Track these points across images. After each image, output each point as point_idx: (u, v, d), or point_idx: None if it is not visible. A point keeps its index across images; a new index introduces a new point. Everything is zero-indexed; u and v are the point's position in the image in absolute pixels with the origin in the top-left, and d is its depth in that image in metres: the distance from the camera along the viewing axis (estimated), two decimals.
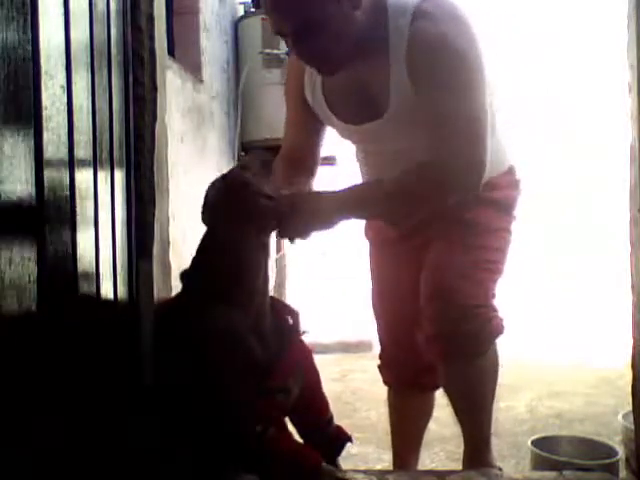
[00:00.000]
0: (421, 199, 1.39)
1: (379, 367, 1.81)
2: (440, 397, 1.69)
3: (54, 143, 0.92)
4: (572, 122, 4.90)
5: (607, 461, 1.70)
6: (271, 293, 1.45)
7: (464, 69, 1.34)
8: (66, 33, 0.96)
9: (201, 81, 3.02)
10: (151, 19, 1.28)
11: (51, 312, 0.92)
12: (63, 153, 0.95)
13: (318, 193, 1.39)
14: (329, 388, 1.60)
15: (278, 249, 3.66)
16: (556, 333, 3.94)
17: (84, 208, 1.02)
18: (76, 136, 0.98)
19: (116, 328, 1.17)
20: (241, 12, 3.76)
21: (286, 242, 3.96)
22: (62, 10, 0.95)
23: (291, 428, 1.47)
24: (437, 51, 1.34)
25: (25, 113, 0.85)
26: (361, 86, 1.47)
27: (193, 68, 2.96)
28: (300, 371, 1.43)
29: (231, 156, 3.50)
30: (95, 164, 1.06)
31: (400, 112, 1.42)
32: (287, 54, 3.06)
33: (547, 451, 1.78)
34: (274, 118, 3.00)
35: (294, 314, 1.44)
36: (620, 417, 1.85)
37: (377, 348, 1.84)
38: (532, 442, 1.83)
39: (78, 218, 0.99)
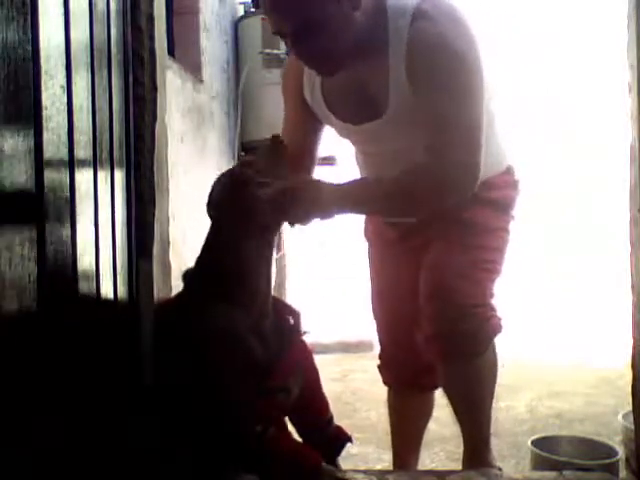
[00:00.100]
0: (419, 199, 1.39)
1: (379, 367, 1.81)
2: (440, 397, 1.69)
3: (54, 143, 0.92)
4: (572, 122, 4.90)
5: (607, 461, 1.70)
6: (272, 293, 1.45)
7: (463, 70, 1.35)
8: (66, 33, 0.96)
9: (201, 81, 3.02)
10: (151, 19, 1.28)
11: (51, 312, 0.92)
12: (63, 153, 0.95)
13: (319, 182, 1.38)
14: (329, 388, 1.60)
15: (278, 249, 3.66)
16: (556, 333, 3.94)
17: (84, 208, 1.02)
18: (76, 136, 0.98)
19: (116, 328, 1.17)
20: (241, 12, 3.76)
21: (286, 242, 3.97)
22: (62, 10, 0.95)
23: (291, 428, 1.47)
24: (436, 52, 1.34)
25: (25, 113, 0.85)
26: (360, 86, 1.47)
27: (193, 68, 2.96)
28: (300, 371, 1.43)
29: (231, 156, 3.50)
30: (95, 164, 1.06)
31: (399, 113, 1.43)
32: (287, 54, 3.06)
33: (547, 451, 1.78)
34: (274, 118, 2.99)
35: (295, 314, 1.44)
36: (620, 417, 1.85)
37: (377, 348, 1.84)
38: (532, 442, 1.83)
39: (78, 218, 0.99)
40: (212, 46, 3.24)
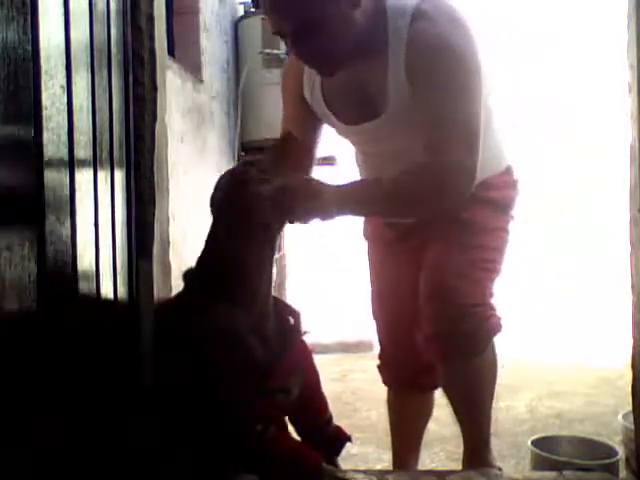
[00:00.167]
0: (418, 200, 1.39)
1: (378, 367, 1.81)
2: (440, 397, 1.69)
3: (54, 143, 0.92)
4: (572, 122, 4.90)
5: (607, 461, 1.70)
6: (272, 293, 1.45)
7: (461, 70, 1.35)
8: (66, 33, 0.96)
9: (201, 81, 3.02)
10: (151, 19, 1.28)
11: (51, 312, 0.92)
12: (63, 153, 0.95)
13: (319, 182, 1.37)
14: (329, 388, 1.60)
15: (278, 249, 3.66)
16: (556, 333, 3.94)
17: (84, 208, 1.02)
18: (76, 136, 0.98)
19: (116, 328, 1.17)
20: (241, 12, 3.76)
21: (286, 242, 3.97)
22: (62, 10, 0.95)
23: (290, 428, 1.47)
24: (435, 52, 1.34)
25: (25, 113, 0.85)
26: (360, 86, 1.47)
27: (193, 68, 2.96)
28: (300, 371, 1.43)
29: (231, 156, 3.50)
30: (95, 164, 1.06)
31: (398, 112, 1.43)
32: (287, 54, 3.06)
33: (547, 451, 1.78)
34: (274, 118, 2.99)
35: (295, 314, 1.44)
36: (620, 417, 1.85)
37: (377, 348, 1.84)
38: (532, 442, 1.83)
39: (78, 218, 0.99)
40: (212, 46, 3.24)
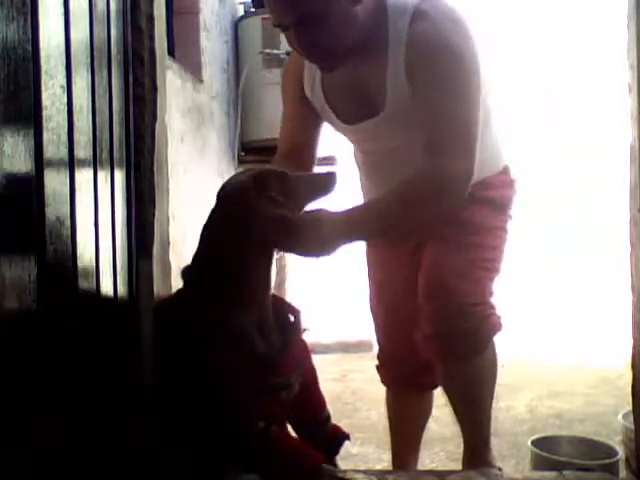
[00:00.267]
0: (418, 209, 1.39)
1: (377, 367, 1.81)
2: (440, 397, 1.69)
3: (54, 143, 0.92)
4: (572, 122, 4.90)
5: (607, 461, 1.70)
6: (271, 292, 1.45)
7: (461, 70, 1.36)
8: (66, 33, 0.96)
9: (201, 81, 3.02)
10: (151, 19, 1.28)
11: (51, 312, 0.92)
12: (63, 153, 0.95)
13: (321, 222, 1.29)
14: (329, 388, 1.60)
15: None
16: (556, 333, 3.94)
17: (84, 208, 1.02)
18: (76, 136, 0.98)
19: (116, 328, 1.17)
20: (241, 12, 3.77)
21: None
22: (62, 10, 0.95)
23: (289, 428, 1.47)
24: (435, 52, 1.35)
25: (25, 113, 0.85)
26: (359, 84, 1.48)
27: (193, 68, 2.96)
28: (301, 368, 1.43)
29: (231, 156, 3.50)
30: (95, 164, 1.06)
31: (396, 112, 1.43)
32: (287, 54, 3.06)
33: (547, 451, 1.78)
34: (274, 118, 2.99)
35: (295, 312, 1.44)
36: (620, 417, 1.85)
37: (377, 348, 1.84)
38: (532, 442, 1.83)
39: (78, 218, 0.99)
40: (212, 46, 3.24)
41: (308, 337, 1.50)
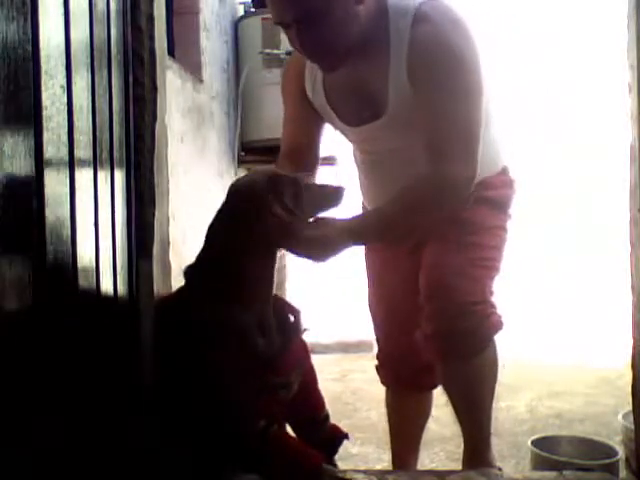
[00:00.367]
0: (419, 214, 1.42)
1: (377, 368, 1.81)
2: (440, 397, 1.69)
3: (54, 143, 0.92)
4: (572, 122, 4.90)
5: (607, 461, 1.70)
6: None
7: (462, 71, 1.36)
8: (66, 33, 0.96)
9: (201, 81, 3.02)
10: (151, 19, 1.28)
11: (51, 312, 0.92)
12: (63, 153, 0.95)
13: (325, 227, 1.35)
14: (329, 388, 1.60)
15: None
16: (556, 333, 3.94)
17: (84, 208, 1.02)
18: (76, 136, 0.98)
19: (116, 328, 1.17)
20: (241, 12, 3.76)
21: None
22: (62, 10, 0.95)
23: (288, 428, 1.48)
24: (437, 54, 1.35)
25: (25, 113, 0.85)
26: (360, 85, 1.48)
27: (193, 68, 2.96)
28: (300, 368, 1.43)
29: (231, 156, 3.50)
30: (95, 164, 1.06)
31: (398, 114, 1.43)
32: (287, 54, 3.07)
33: (547, 451, 1.78)
34: (274, 118, 3.00)
35: (295, 312, 1.44)
36: (620, 417, 1.85)
37: (377, 348, 1.84)
38: (532, 442, 1.83)
39: (78, 218, 0.99)
40: (212, 46, 3.24)
41: (308, 337, 1.50)
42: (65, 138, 0.96)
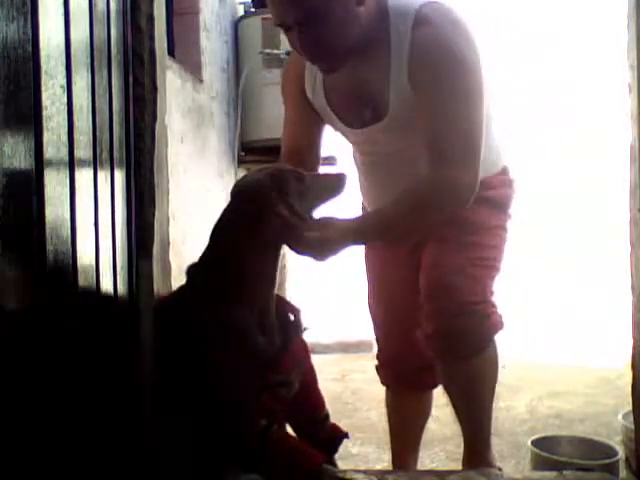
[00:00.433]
0: (419, 218, 1.43)
1: (377, 367, 1.81)
2: (440, 396, 1.69)
3: (54, 143, 0.92)
4: (572, 122, 4.90)
5: (607, 461, 1.70)
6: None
7: (464, 72, 1.36)
8: (66, 33, 0.96)
9: (201, 81, 3.02)
10: (151, 19, 1.28)
11: (51, 312, 0.92)
12: (63, 153, 0.95)
13: (328, 227, 1.35)
14: (329, 388, 1.60)
15: None
16: (556, 333, 3.94)
17: (84, 208, 1.02)
18: (76, 136, 0.98)
19: (116, 328, 1.17)
20: (241, 12, 3.76)
21: None
22: (62, 10, 0.95)
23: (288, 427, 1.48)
24: (439, 56, 1.35)
25: (25, 113, 0.85)
26: (360, 87, 1.48)
27: (193, 68, 2.96)
28: (301, 366, 1.43)
29: (231, 156, 3.50)
30: (95, 164, 1.06)
31: (399, 116, 1.44)
32: (287, 54, 3.06)
33: (547, 451, 1.78)
34: (274, 118, 3.00)
35: (296, 311, 1.44)
36: (620, 417, 1.86)
37: (377, 348, 1.84)
38: (532, 442, 1.83)
39: (78, 218, 0.99)
40: (212, 46, 3.24)
41: (308, 337, 1.51)
42: (65, 138, 0.96)
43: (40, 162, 0.87)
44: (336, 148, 2.91)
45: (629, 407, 1.51)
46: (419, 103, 1.39)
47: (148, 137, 1.27)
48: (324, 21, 1.33)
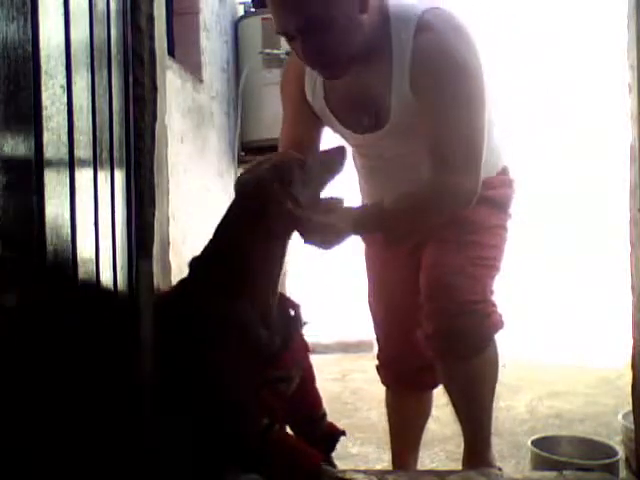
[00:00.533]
0: (419, 219, 1.45)
1: (377, 367, 1.81)
2: (440, 396, 1.69)
3: (54, 143, 0.92)
4: (572, 122, 4.90)
5: (607, 461, 1.70)
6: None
7: (465, 79, 1.37)
8: (66, 33, 0.96)
9: (201, 81, 3.02)
10: (151, 19, 1.28)
11: (51, 312, 0.92)
12: (63, 153, 0.95)
13: (330, 215, 1.38)
14: (329, 388, 1.60)
15: None
16: (556, 333, 3.94)
17: (84, 208, 1.02)
18: (76, 136, 0.98)
19: (116, 328, 1.17)
20: (241, 12, 3.76)
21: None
22: (62, 10, 0.95)
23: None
24: (441, 62, 1.36)
25: (25, 113, 0.85)
26: (362, 93, 1.48)
27: (193, 68, 2.96)
28: (300, 362, 1.44)
29: (231, 156, 3.50)
30: (95, 164, 1.06)
31: (400, 122, 1.44)
32: (287, 54, 3.06)
33: (547, 451, 1.78)
34: (274, 118, 3.00)
35: (295, 306, 1.44)
36: (620, 417, 1.85)
37: (377, 348, 1.84)
38: (532, 442, 1.83)
39: (78, 218, 0.99)
40: (212, 46, 3.24)
41: (308, 336, 1.51)
42: (65, 138, 0.96)
43: (40, 162, 0.87)
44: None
45: (629, 407, 1.51)
46: (421, 109, 1.39)
47: (148, 137, 1.27)
48: (326, 29, 1.32)
